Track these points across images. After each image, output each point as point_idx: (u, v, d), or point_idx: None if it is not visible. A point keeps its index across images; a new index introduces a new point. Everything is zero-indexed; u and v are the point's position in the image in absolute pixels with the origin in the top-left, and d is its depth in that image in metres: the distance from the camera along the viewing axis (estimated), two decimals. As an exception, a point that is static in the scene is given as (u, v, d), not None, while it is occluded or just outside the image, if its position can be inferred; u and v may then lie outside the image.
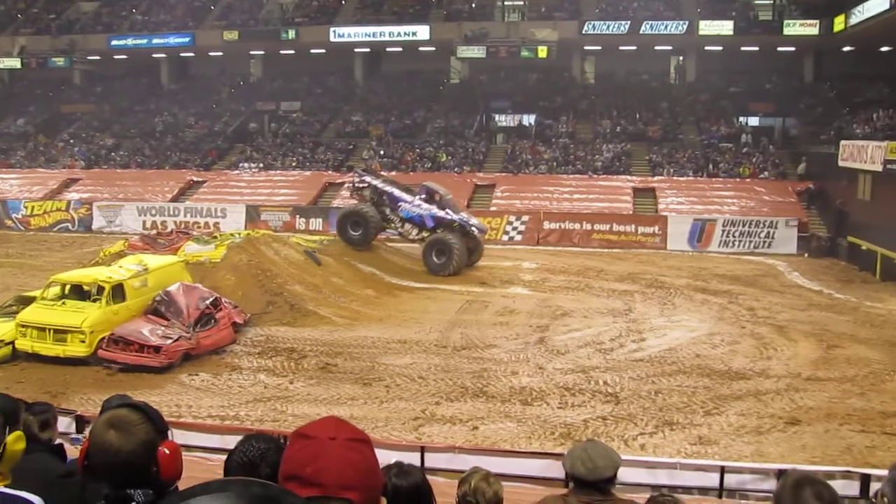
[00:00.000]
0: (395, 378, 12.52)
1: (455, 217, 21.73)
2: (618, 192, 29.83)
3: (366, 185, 22.66)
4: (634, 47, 35.52)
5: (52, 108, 41.97)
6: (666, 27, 34.04)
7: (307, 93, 39.95)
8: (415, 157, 33.30)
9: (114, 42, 39.77)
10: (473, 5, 38.11)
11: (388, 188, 22.48)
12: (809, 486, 2.12)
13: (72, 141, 38.66)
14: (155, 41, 39.59)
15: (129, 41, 39.87)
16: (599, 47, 36.67)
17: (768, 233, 26.34)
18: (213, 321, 14.04)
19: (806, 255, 25.34)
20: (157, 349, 12.84)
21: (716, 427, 10.47)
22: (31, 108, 41.97)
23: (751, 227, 26.51)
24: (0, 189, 34.13)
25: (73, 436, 7.57)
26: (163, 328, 13.28)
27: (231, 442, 4.59)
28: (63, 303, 13.51)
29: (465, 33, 34.90)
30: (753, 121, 35.15)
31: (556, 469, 6.98)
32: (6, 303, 14.90)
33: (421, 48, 37.31)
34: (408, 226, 22.09)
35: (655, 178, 30.47)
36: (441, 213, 21.72)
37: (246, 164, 34.65)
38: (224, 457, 2.63)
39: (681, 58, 37.60)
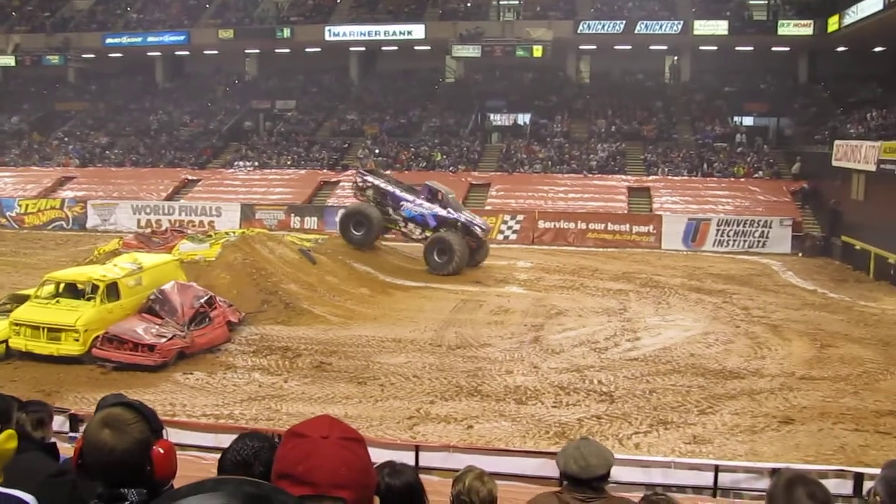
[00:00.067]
0: (389, 377, 12.52)
1: (458, 216, 21.74)
2: (612, 191, 29.87)
3: (369, 185, 22.66)
4: (629, 47, 35.60)
5: (47, 105, 41.80)
6: (661, 27, 34.14)
7: (302, 91, 39.92)
8: (410, 156, 33.29)
9: (108, 40, 39.67)
10: (469, 5, 38.13)
11: (391, 188, 22.50)
12: (802, 485, 2.12)
13: (66, 139, 38.54)
14: (150, 39, 39.52)
15: (124, 39, 39.80)
16: (594, 47, 36.75)
17: (762, 232, 26.42)
18: (207, 320, 14.02)
19: (800, 254, 25.44)
20: (151, 348, 12.82)
21: (710, 426, 10.50)
22: (25, 105, 41.81)
23: (745, 226, 26.59)
24: (-6, 187, 34.01)
25: (71, 434, 7.54)
26: (157, 327, 13.25)
27: (225, 441, 4.58)
28: (57, 301, 13.46)
29: (461, 32, 34.93)
30: (748, 120, 35.29)
31: (550, 468, 6.96)
32: (0, 301, 14.85)
33: (416, 47, 37.33)
34: (411, 225, 22.10)
35: (650, 178, 30.51)
36: (443, 212, 21.74)
37: (241, 163, 34.59)
38: (218, 456, 2.63)
39: (675, 57, 37.67)
